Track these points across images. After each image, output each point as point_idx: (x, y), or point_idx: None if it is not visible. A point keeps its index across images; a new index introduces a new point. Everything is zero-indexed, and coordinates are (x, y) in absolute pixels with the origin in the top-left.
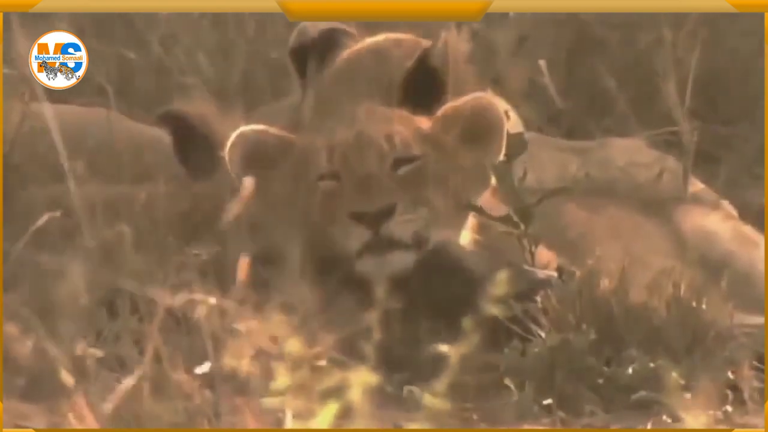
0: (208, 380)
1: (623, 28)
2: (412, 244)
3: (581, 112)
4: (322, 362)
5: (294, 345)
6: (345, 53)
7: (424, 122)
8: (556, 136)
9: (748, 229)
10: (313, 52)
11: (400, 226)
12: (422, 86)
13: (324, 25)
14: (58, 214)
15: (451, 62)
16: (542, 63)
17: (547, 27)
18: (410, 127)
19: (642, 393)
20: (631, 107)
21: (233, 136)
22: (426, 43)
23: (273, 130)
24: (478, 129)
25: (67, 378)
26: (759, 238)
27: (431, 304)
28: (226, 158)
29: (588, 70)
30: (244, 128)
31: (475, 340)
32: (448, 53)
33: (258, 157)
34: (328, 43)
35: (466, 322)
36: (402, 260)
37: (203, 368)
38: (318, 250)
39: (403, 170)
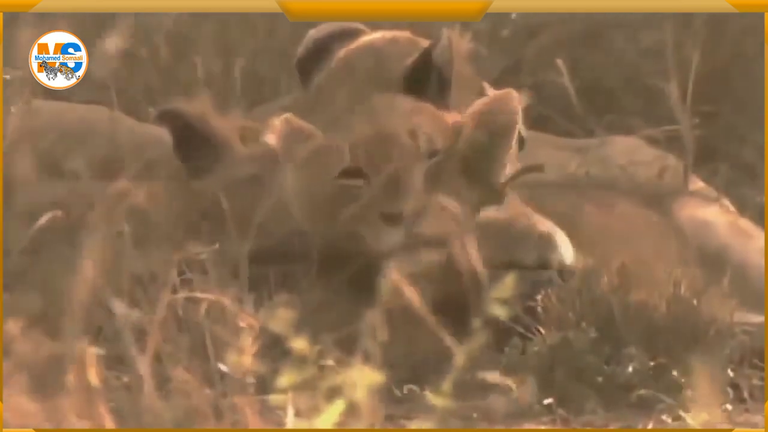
0: (209, 378)
1: (624, 27)
2: (438, 242)
3: (582, 110)
4: (327, 361)
5: (299, 343)
6: (342, 52)
7: (448, 116)
8: (558, 135)
9: (745, 222)
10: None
11: (428, 225)
12: (424, 84)
13: (329, 28)
14: (59, 213)
15: (454, 60)
16: (560, 62)
17: (548, 26)
18: (433, 120)
19: (641, 391)
20: (631, 106)
21: (277, 121)
22: (423, 41)
23: (301, 122)
24: (496, 124)
25: (67, 376)
26: (755, 231)
27: (435, 303)
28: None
29: (589, 68)
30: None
31: (482, 340)
32: (451, 51)
33: (287, 146)
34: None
35: (476, 322)
36: (430, 259)
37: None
38: (341, 248)
39: (428, 166)
